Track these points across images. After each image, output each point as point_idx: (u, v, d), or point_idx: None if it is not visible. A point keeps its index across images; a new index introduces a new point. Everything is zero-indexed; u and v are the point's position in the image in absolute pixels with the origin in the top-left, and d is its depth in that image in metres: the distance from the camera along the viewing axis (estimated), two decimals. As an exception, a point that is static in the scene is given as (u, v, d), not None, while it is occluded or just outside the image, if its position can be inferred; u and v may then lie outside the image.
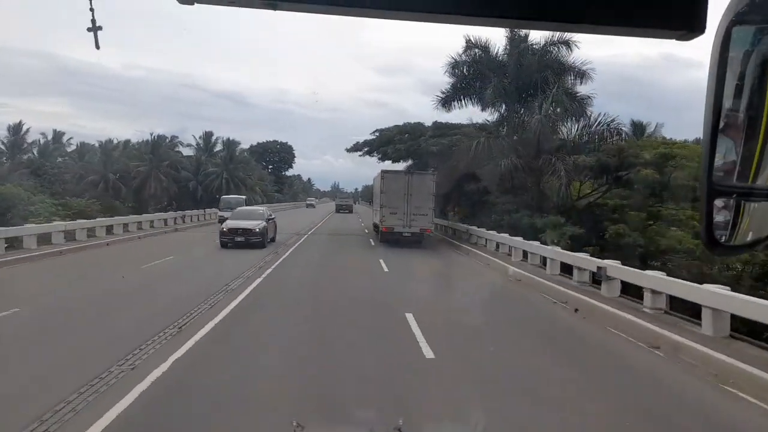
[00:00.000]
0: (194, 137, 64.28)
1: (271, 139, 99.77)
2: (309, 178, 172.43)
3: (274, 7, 0.95)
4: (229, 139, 62.12)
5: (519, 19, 1.02)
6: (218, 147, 64.82)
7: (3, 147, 53.50)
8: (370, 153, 46.49)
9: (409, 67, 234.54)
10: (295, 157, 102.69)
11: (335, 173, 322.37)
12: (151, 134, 57.05)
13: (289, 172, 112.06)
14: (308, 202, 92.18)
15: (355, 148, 48.43)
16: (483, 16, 1.00)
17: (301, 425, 2.45)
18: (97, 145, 57.12)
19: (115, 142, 60.43)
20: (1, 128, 54.42)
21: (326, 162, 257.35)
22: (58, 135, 60.20)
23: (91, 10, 1.08)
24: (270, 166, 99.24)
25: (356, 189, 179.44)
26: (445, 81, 30.70)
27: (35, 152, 53.25)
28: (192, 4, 0.93)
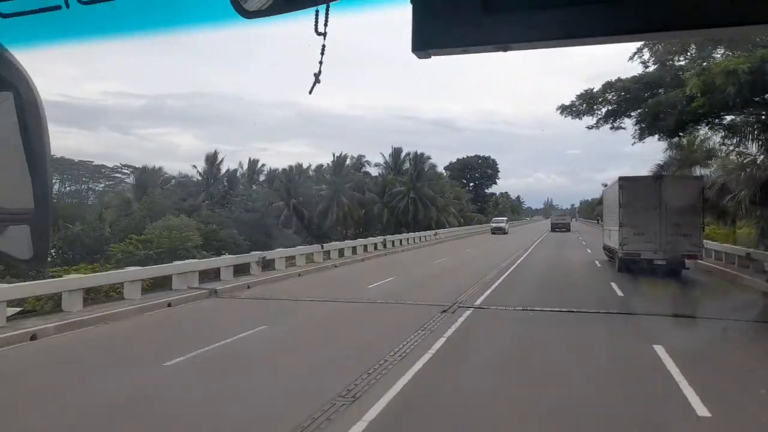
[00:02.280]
0: (382, 155, 58.13)
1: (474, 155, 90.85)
2: (518, 196, 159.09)
3: (506, 50, 1.01)
4: (416, 153, 54.18)
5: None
6: (407, 165, 57.65)
7: (199, 177, 53.59)
8: (613, 118, 22.07)
9: (621, 73, 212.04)
10: (499, 172, 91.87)
11: (547, 191, 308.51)
12: (333, 155, 52.05)
13: (495, 189, 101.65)
14: (494, 225, 57.50)
15: (575, 110, 23.46)
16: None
17: None
18: (280, 170, 53.99)
19: (305, 166, 57.15)
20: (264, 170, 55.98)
21: (538, 180, 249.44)
22: (252, 163, 59.31)
23: (320, 63, 1.09)
24: (471, 184, 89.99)
25: (572, 205, 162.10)
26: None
27: (225, 182, 52.09)
28: (429, 57, 1.03)
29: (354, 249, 30.03)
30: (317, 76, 1.15)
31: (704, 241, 21.98)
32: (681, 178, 22.29)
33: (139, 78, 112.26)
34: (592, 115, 21.00)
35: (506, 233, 54.98)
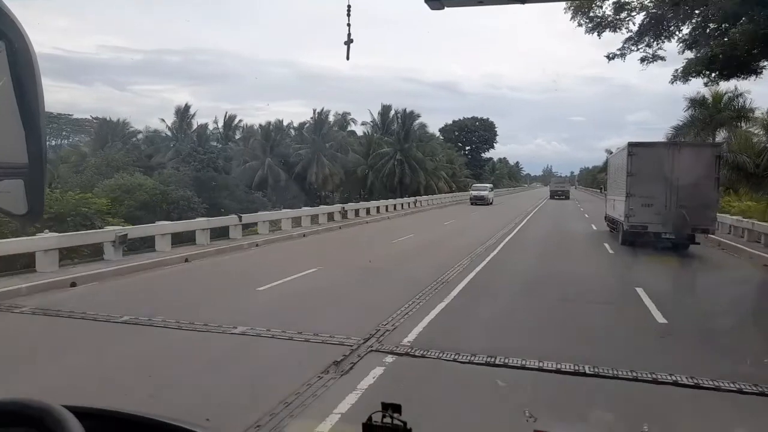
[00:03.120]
0: (370, 112, 53.51)
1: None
2: (517, 162, 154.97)
3: (524, 2, 0.94)
4: (405, 111, 49.49)
5: None
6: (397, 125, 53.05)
7: (168, 133, 49.06)
8: (651, 36, 16.23)
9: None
10: (497, 135, 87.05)
11: (548, 157, 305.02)
12: (314, 111, 47.43)
13: (492, 154, 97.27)
14: (474, 194, 45.69)
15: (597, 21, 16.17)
16: None
17: (533, 416, 2.67)
18: (257, 127, 49.45)
19: (286, 123, 52.56)
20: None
21: (538, 146, 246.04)
22: (229, 119, 54.66)
23: (348, 25, 0.97)
24: (467, 148, 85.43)
25: (572, 173, 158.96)
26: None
27: (195, 138, 47.59)
28: (442, 8, 0.95)
29: (298, 221, 22.93)
30: (349, 37, 1.32)
31: (725, 215, 20.71)
32: (696, 145, 20.68)
33: (137, 32, 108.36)
34: (617, 28, 15.45)
35: (490, 204, 44.59)
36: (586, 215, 34.53)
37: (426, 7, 0.77)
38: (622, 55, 16.06)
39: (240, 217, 17.85)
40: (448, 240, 19.82)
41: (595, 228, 25.03)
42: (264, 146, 47.33)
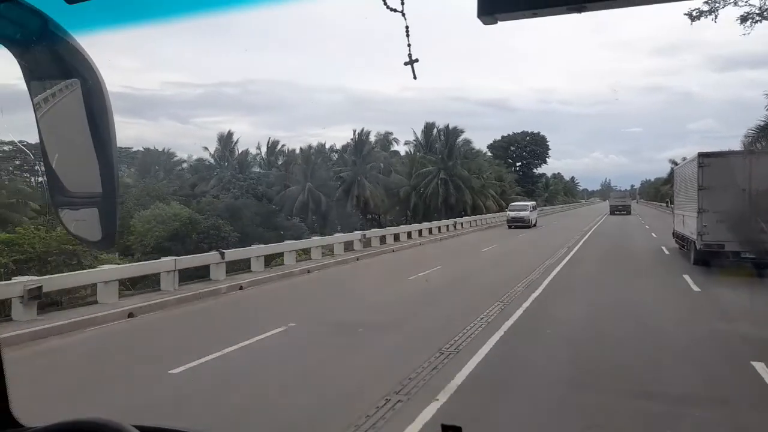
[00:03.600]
0: (413, 131, 51.71)
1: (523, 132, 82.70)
2: (572, 176, 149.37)
3: (581, 10, 0.95)
4: (447, 127, 47.45)
5: None
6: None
7: (212, 161, 49.13)
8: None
9: (693, 41, 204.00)
10: (549, 149, 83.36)
11: (605, 171, 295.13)
12: (354, 132, 46.20)
13: (545, 169, 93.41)
14: (512, 215, 39.01)
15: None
16: None
17: None
18: (298, 151, 48.74)
19: (328, 145, 51.73)
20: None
21: (595, 159, 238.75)
22: (273, 145, 54.44)
23: (409, 45, 1.12)
24: (518, 164, 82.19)
25: (632, 186, 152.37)
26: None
27: (236, 165, 47.36)
28: (495, 23, 0.97)
29: (306, 252, 20.40)
30: (410, 57, 1.12)
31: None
32: None
33: (197, 67, 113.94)
34: None
35: (532, 226, 37.81)
36: (654, 234, 30.32)
37: (477, 22, 0.92)
38: (712, 12, 13.31)
39: (222, 254, 14.94)
40: (479, 275, 16.52)
41: (666, 252, 21.52)
42: (305, 170, 46.43)
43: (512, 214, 39.17)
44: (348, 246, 23.03)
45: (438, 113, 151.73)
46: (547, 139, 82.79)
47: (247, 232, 31.50)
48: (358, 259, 21.42)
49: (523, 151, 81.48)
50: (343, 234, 24.50)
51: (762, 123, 22.64)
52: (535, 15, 0.91)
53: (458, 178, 44.92)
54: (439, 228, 33.98)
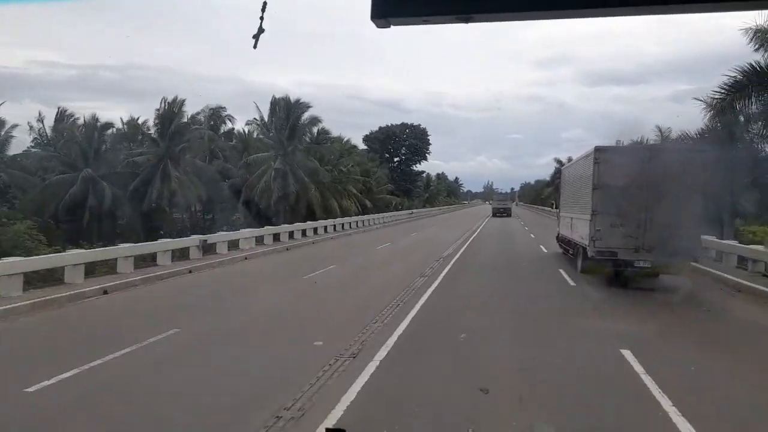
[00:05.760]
0: (256, 106, 39.23)
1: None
2: (456, 177, 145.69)
3: (467, 21, 0.99)
4: (288, 99, 35.83)
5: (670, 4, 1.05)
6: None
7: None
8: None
9: (569, 57, 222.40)
10: (430, 144, 75.10)
11: (489, 174, 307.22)
12: (163, 101, 33.00)
13: (431, 169, 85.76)
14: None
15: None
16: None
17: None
18: (81, 121, 34.67)
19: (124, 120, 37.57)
20: None
21: (479, 163, 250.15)
22: (62, 115, 39.34)
23: (261, 18, 1.10)
24: (396, 159, 73.04)
25: (512, 189, 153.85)
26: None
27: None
28: (388, 27, 1.00)
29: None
30: (260, 27, 1.08)
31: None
32: (679, 151, 17.51)
33: (69, 46, 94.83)
34: None
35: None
36: (532, 235, 28.38)
37: (372, 24, 0.99)
38: None
39: None
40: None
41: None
42: (86, 151, 32.67)
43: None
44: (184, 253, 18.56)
45: (338, 111, 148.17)
46: (429, 133, 74.52)
47: None
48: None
49: (402, 145, 72.46)
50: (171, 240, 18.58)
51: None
52: (426, 22, 0.97)
53: (301, 169, 33.54)
54: (264, 237, 24.56)
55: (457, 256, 21.09)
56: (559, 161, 64.13)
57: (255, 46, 1.12)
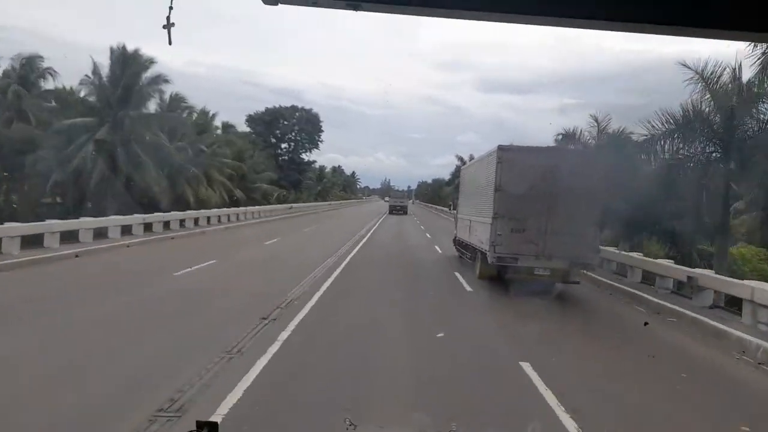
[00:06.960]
0: (91, 59, 29.68)
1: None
2: (354, 172, 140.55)
3: (356, 8, 0.98)
4: (124, 49, 27.11)
5: (590, 19, 1.04)
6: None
7: None
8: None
9: (468, 63, 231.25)
10: (322, 132, 68.21)
11: (386, 171, 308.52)
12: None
13: (324, 160, 79.16)
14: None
15: None
16: (563, 16, 1.04)
17: (353, 423, 2.40)
18: None
19: None
20: None
21: (377, 159, 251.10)
22: None
23: (170, 8, 1.06)
24: (283, 145, 65.39)
25: (409, 187, 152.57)
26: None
27: None
28: (276, 4, 0.98)
29: None
30: (169, 20, 1.06)
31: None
32: (581, 153, 18.64)
33: None
34: None
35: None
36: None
37: (260, 3, 0.97)
38: None
39: None
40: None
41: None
42: None
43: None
44: None
45: (231, 96, 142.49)
46: (320, 119, 67.61)
47: None
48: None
49: (291, 129, 64.93)
50: None
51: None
52: (315, 4, 0.95)
53: (138, 145, 25.17)
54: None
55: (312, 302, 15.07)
56: (461, 159, 60.23)
57: (170, 43, 1.06)
